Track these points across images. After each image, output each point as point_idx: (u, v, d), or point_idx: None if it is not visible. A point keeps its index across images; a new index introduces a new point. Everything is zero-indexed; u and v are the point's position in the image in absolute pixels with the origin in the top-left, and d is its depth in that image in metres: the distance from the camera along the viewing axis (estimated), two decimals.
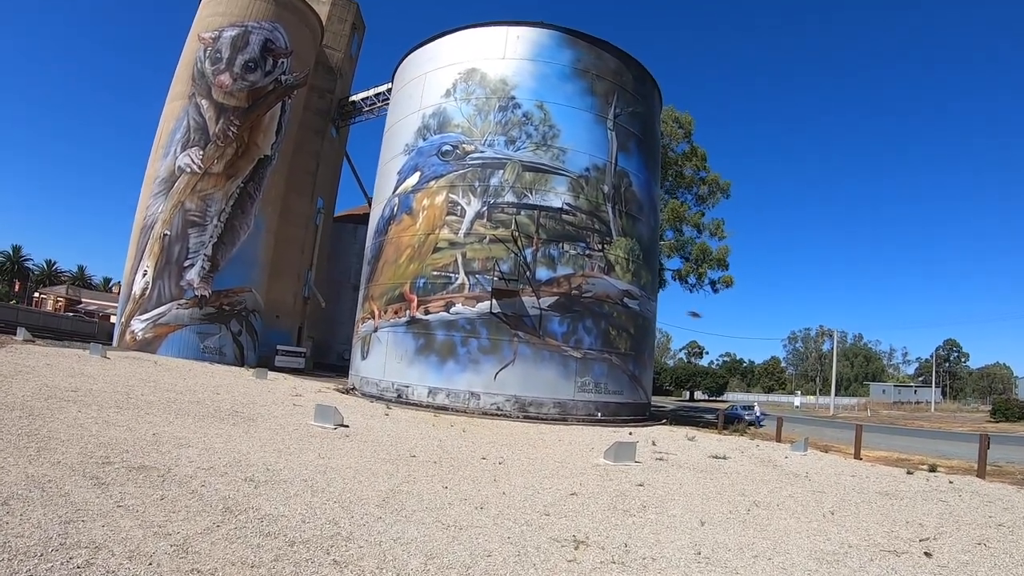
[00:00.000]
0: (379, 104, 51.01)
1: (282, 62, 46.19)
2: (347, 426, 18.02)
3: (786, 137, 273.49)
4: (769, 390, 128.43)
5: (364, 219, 56.02)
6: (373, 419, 21.29)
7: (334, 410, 18.15)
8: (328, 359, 54.08)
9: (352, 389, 32.97)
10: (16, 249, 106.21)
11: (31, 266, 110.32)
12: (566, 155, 31.15)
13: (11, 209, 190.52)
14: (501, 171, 30.57)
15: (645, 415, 33.15)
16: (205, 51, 44.78)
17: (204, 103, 43.56)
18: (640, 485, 13.09)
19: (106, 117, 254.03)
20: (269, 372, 34.30)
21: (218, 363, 38.87)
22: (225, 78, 43.75)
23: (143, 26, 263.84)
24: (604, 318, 30.68)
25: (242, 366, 40.12)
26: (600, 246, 31.05)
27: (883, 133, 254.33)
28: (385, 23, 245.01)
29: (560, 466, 15.15)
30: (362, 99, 53.13)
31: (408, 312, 30.46)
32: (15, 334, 32.03)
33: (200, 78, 44.16)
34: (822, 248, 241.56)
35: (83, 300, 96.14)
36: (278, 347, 45.18)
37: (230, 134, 43.26)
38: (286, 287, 49.53)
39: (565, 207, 30.52)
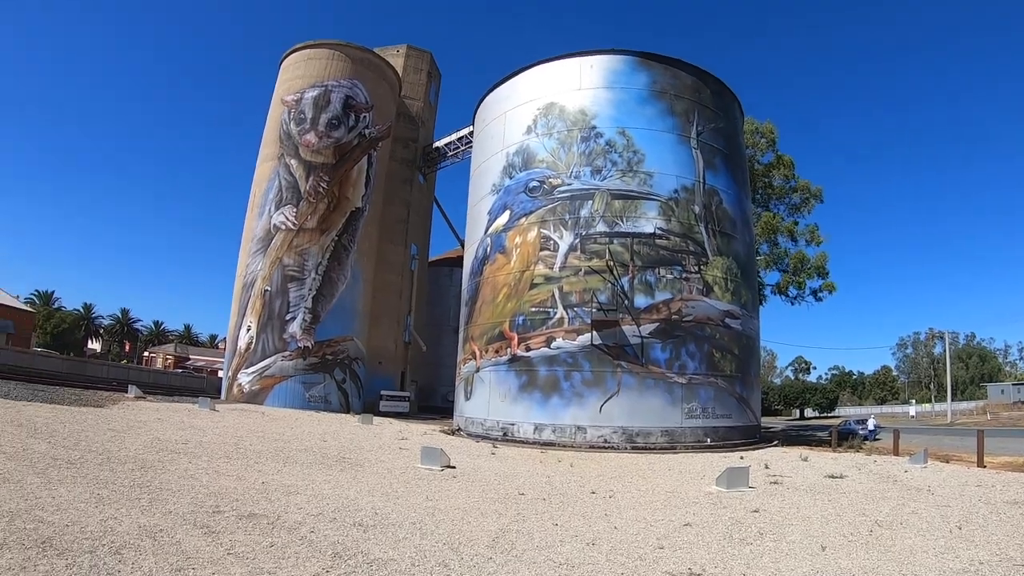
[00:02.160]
0: (462, 147, 51.60)
1: (364, 116, 47.27)
2: (454, 467, 17.96)
3: (874, 131, 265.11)
4: (882, 401, 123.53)
5: (459, 262, 56.27)
6: (479, 459, 21.20)
7: (440, 451, 18.16)
8: (432, 402, 54.41)
9: (457, 430, 33.03)
10: (124, 312, 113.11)
11: (139, 327, 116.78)
12: (653, 179, 30.78)
13: (119, 275, 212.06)
14: (590, 202, 30.41)
15: (755, 437, 31.97)
16: (289, 113, 46.29)
17: (293, 162, 44.90)
18: (755, 511, 12.58)
19: (198, 184, 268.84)
20: (375, 417, 34.54)
21: (324, 411, 39.32)
22: (311, 137, 45.04)
23: (229, 91, 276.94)
24: (707, 341, 29.93)
25: (347, 413, 40.51)
26: (696, 268, 30.40)
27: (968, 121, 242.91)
28: (458, 69, 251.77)
29: (671, 496, 14.76)
30: (445, 144, 53.74)
31: (509, 350, 30.43)
32: (127, 391, 32.82)
33: (287, 139, 45.63)
34: (921, 248, 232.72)
35: (191, 357, 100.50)
36: (382, 392, 45.64)
37: (321, 190, 44.36)
38: (387, 333, 50.09)
39: (657, 232, 30.08)
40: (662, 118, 32.19)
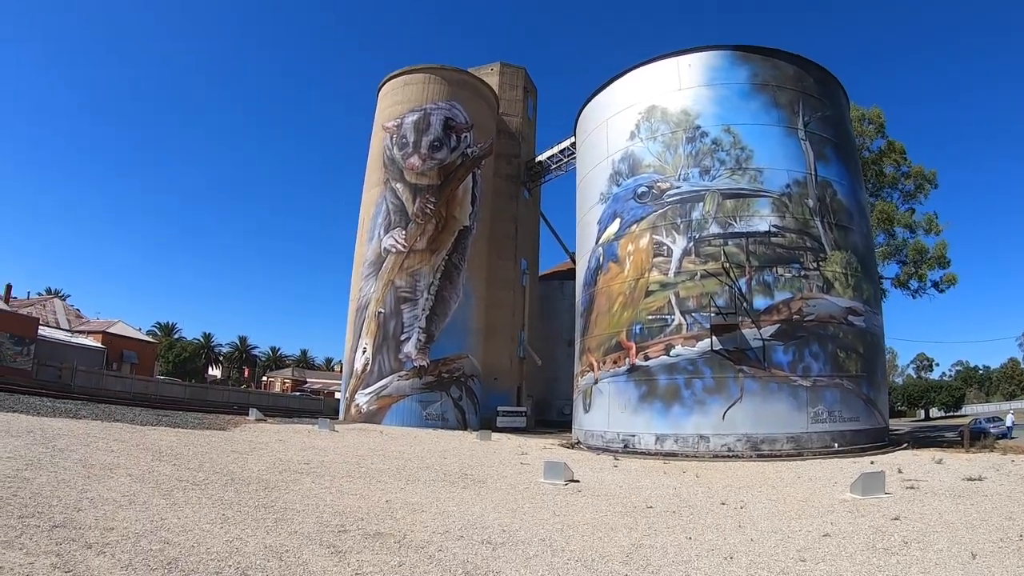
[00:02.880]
0: (565, 159, 51.62)
1: (465, 136, 47.87)
2: (577, 481, 17.66)
3: (984, 110, 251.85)
4: (1011, 396, 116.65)
5: (569, 275, 56.04)
6: (602, 472, 20.81)
7: (564, 466, 17.84)
8: (548, 416, 54.30)
9: (577, 443, 32.72)
10: (243, 340, 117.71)
11: (257, 354, 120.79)
12: (763, 175, 29.87)
13: (239, 305, 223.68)
14: (701, 203, 29.82)
15: (884, 441, 30.09)
16: (391, 138, 47.36)
17: (399, 186, 45.79)
18: (896, 519, 11.86)
19: (308, 215, 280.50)
20: (492, 433, 34.70)
21: (441, 429, 39.73)
22: (414, 160, 45.84)
23: (332, 119, 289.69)
24: (830, 340, 28.59)
25: (465, 430, 40.72)
26: (815, 264, 29.18)
27: None
28: (553, 82, 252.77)
29: (805, 505, 14.16)
30: (547, 158, 53.81)
31: (627, 360, 29.99)
32: (248, 414, 33.67)
33: (391, 164, 46.64)
34: None
35: (307, 380, 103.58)
36: (499, 408, 45.72)
37: (428, 211, 45.05)
38: (501, 349, 50.32)
39: (772, 229, 29.12)
40: (767, 111, 31.30)
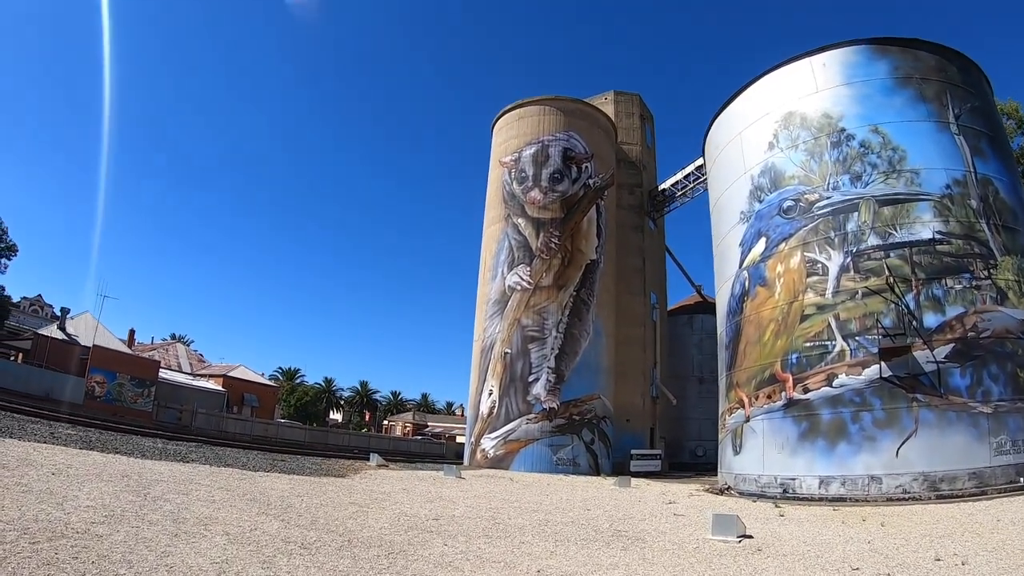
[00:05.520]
0: (690, 185, 50.10)
1: (586, 167, 46.67)
2: (751, 536, 14.92)
3: None
4: None
5: (696, 309, 53.99)
6: (770, 523, 17.91)
7: (736, 518, 15.13)
8: (680, 458, 51.44)
9: (727, 488, 29.77)
10: (363, 384, 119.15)
11: (378, 398, 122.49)
12: (920, 177, 26.85)
13: (360, 349, 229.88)
14: (855, 213, 26.99)
15: None
16: (510, 173, 46.79)
17: (521, 222, 44.90)
18: None
19: (423, 254, 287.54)
20: (631, 479, 32.24)
21: (573, 474, 37.82)
22: (535, 194, 44.91)
23: (448, 156, 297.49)
24: (1009, 359, 24.52)
25: (598, 475, 38.90)
26: (986, 273, 25.57)
27: None
28: (667, 108, 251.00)
29: None
30: (672, 185, 52.17)
31: (783, 394, 27.09)
32: (368, 459, 32.73)
33: (511, 199, 45.93)
34: None
35: (428, 424, 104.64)
36: (632, 451, 43.48)
37: (552, 246, 43.79)
38: (633, 389, 48.20)
39: (936, 236, 25.81)
40: (913, 107, 28.53)
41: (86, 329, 51.50)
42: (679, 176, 50.90)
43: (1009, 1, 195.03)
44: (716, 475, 33.35)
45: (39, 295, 73.96)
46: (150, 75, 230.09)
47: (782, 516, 19.65)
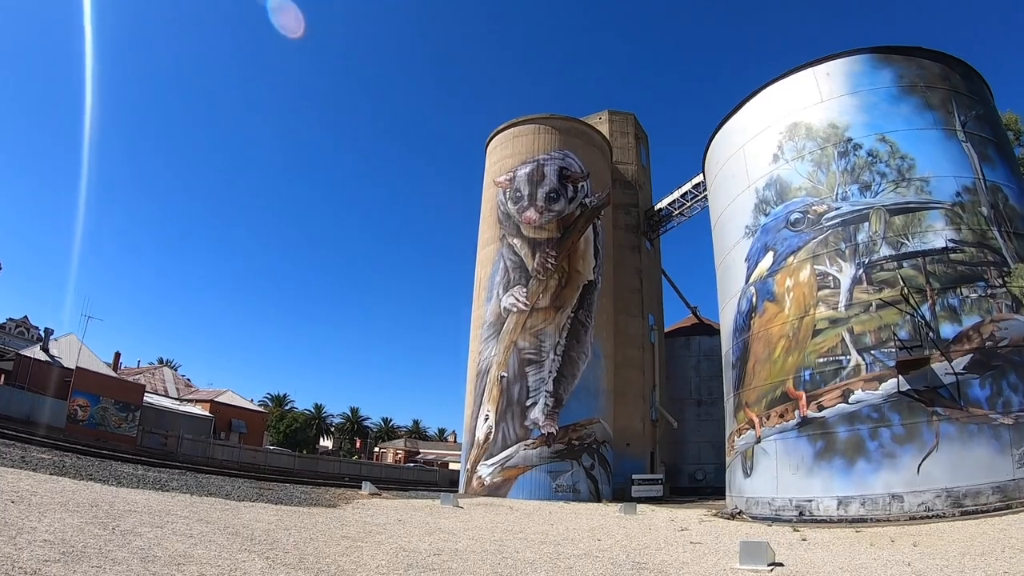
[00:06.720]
0: (688, 203, 49.71)
1: (582, 185, 46.07)
2: (781, 564, 13.75)
3: None
4: None
5: (693, 330, 53.34)
6: (794, 548, 16.86)
7: (765, 545, 14.00)
8: (679, 482, 50.32)
9: (738, 513, 28.73)
10: (354, 411, 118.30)
11: (368, 424, 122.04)
12: (930, 185, 26.57)
13: (350, 375, 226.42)
14: (866, 224, 26.53)
15: None
16: (504, 193, 46.12)
17: (516, 242, 44.15)
18: None
19: (411, 275, 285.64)
20: (637, 505, 31.09)
21: (573, 501, 36.86)
22: (531, 213, 44.20)
23: (436, 178, 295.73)
24: None
25: (599, 501, 38.01)
26: (1000, 281, 25.11)
27: None
28: (660, 128, 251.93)
29: None
30: (668, 204, 51.77)
31: (797, 412, 26.22)
32: (360, 487, 31.75)
33: (506, 219, 45.26)
34: None
35: (420, 451, 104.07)
36: (633, 476, 42.66)
37: (549, 266, 42.99)
38: (632, 412, 47.31)
39: (949, 244, 25.44)
40: (920, 114, 28.43)
41: (70, 351, 50.27)
42: (676, 195, 50.51)
43: (1001, 11, 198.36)
44: (720, 499, 32.85)
45: (25, 316, 72.41)
46: (131, 92, 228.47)
47: (804, 540, 18.67)
